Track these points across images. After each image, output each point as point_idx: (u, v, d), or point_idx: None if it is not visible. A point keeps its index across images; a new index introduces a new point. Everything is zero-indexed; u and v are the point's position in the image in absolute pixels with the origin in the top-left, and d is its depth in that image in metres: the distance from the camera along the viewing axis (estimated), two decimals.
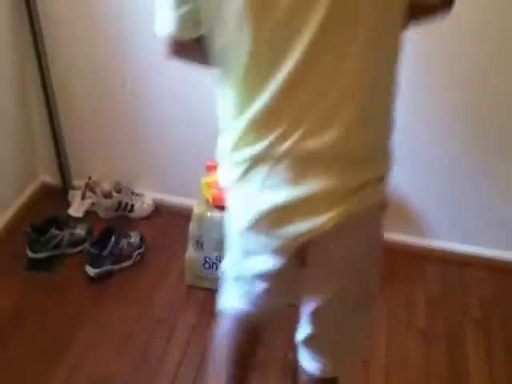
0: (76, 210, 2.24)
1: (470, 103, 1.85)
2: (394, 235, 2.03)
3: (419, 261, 2.06)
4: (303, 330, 1.24)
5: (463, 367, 1.73)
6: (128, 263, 2.03)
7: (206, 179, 1.90)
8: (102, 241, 2.00)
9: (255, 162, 0.98)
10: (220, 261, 1.90)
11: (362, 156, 0.96)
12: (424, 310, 1.91)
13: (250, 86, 0.94)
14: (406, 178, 1.83)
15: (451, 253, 2.09)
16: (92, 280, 1.96)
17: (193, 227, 1.90)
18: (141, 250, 2.07)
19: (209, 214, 1.87)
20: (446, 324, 1.86)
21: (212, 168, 1.96)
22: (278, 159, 0.95)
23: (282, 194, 0.97)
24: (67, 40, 2.07)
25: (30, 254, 2.01)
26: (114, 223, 2.13)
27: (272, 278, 1.14)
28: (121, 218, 2.24)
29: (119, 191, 2.24)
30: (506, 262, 2.06)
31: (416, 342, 1.80)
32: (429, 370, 1.73)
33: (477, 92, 1.82)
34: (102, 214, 2.25)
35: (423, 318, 1.88)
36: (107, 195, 2.23)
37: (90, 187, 2.28)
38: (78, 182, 2.32)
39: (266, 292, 1.18)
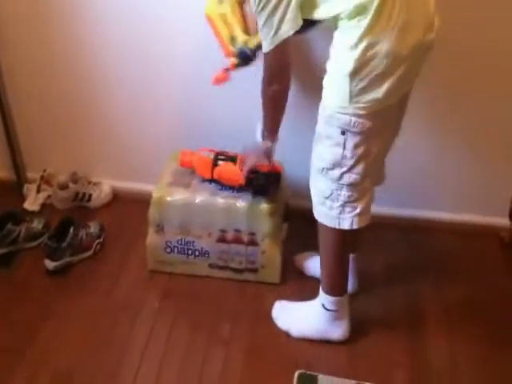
0: (32, 203, 2.20)
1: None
2: None
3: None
4: None
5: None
6: (88, 253, 2.00)
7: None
8: (60, 233, 1.97)
9: None
10: (182, 244, 1.89)
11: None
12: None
13: None
14: None
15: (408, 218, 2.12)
16: (52, 273, 1.92)
17: (152, 212, 1.89)
18: (101, 240, 2.04)
19: (168, 198, 1.86)
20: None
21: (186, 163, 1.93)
22: None
23: None
24: (21, 28, 2.02)
25: None
26: (72, 214, 2.09)
27: None
28: (79, 209, 2.21)
29: (76, 182, 2.20)
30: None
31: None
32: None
33: None
34: (59, 205, 2.21)
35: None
36: (63, 187, 2.19)
37: (45, 180, 2.24)
38: (33, 175, 2.27)
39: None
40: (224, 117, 2.06)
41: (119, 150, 2.21)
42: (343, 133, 1.43)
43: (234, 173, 1.84)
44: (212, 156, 1.86)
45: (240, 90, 1.99)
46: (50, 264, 1.93)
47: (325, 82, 1.45)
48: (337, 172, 1.48)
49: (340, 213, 1.54)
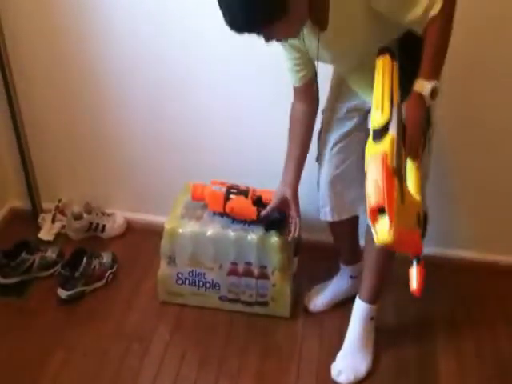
0: (46, 233, 2.23)
1: None
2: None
3: None
4: None
5: None
6: (100, 283, 2.02)
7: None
8: (73, 262, 1.99)
9: None
10: (193, 276, 1.91)
11: None
12: None
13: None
14: None
15: None
16: (65, 302, 1.94)
17: (164, 243, 1.90)
18: (113, 270, 2.06)
19: (180, 230, 1.88)
20: None
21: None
22: None
23: None
24: (36, 62, 2.07)
25: (1, 280, 1.99)
26: (85, 244, 2.13)
27: None
28: (92, 239, 2.23)
29: (89, 212, 2.23)
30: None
31: None
32: None
33: None
34: (72, 236, 2.24)
35: None
36: (78, 217, 2.22)
37: (59, 210, 2.27)
38: (48, 205, 2.31)
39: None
40: (236, 151, 2.10)
41: (133, 181, 2.25)
42: None
43: (245, 207, 1.85)
44: (224, 190, 1.89)
45: (252, 126, 2.04)
46: (62, 293, 1.95)
47: None
48: None
49: None
